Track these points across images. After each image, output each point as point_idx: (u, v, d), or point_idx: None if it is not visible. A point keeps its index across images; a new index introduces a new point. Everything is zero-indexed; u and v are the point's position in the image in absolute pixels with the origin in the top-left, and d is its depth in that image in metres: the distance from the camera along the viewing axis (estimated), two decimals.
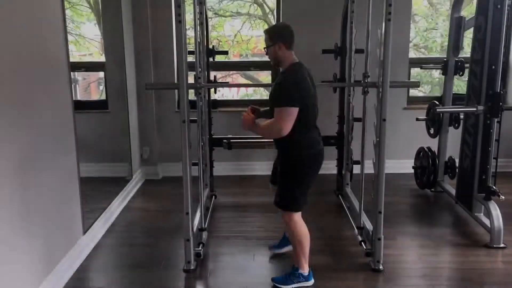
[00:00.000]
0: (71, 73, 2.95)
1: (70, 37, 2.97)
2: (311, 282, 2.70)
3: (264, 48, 2.62)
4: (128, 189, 4.26)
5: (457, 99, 4.31)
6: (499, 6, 3.16)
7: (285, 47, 2.53)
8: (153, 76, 4.66)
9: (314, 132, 2.64)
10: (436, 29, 5.86)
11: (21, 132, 2.30)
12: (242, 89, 5.97)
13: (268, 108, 2.66)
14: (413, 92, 5.30)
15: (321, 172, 2.66)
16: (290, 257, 2.96)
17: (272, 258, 3.10)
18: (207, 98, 3.91)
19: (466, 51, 4.58)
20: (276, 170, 2.88)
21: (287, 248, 2.98)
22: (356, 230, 3.23)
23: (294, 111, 2.40)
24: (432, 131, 4.33)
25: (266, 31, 2.61)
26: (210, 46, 3.98)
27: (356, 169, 3.61)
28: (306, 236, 2.65)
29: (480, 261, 3.01)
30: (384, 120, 2.69)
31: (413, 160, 4.53)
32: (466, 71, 3.88)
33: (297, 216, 2.63)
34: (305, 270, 2.68)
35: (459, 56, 4.08)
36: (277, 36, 2.54)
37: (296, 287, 2.67)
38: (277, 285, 2.68)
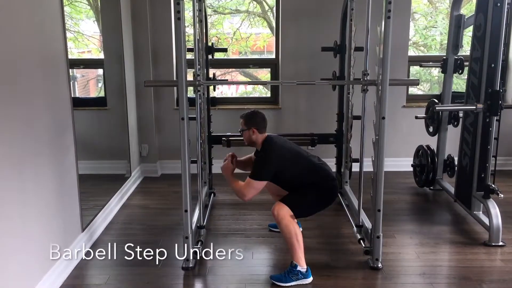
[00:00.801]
0: (70, 70, 2.94)
1: (69, 34, 2.97)
2: (310, 279, 2.70)
3: (239, 130, 2.97)
4: (126, 186, 4.26)
5: (456, 97, 4.32)
6: (498, 4, 3.16)
7: (257, 131, 2.89)
8: (152, 73, 4.65)
9: (320, 171, 2.87)
10: (435, 27, 5.86)
11: (19, 129, 2.30)
12: (241, 86, 5.96)
13: (244, 158, 3.17)
14: (413, 90, 5.30)
15: None
16: (288, 254, 2.96)
17: (271, 255, 3.10)
18: (206, 96, 3.90)
19: (466, 49, 4.58)
20: None
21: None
22: (355, 228, 3.22)
23: (258, 185, 2.77)
24: (431, 129, 4.33)
25: (241, 117, 2.96)
26: (209, 44, 3.97)
27: (355, 167, 3.61)
28: (299, 231, 2.72)
29: (478, 259, 3.01)
30: (384, 118, 2.68)
31: (412, 158, 4.53)
32: (466, 69, 3.88)
33: (291, 215, 2.72)
34: (304, 266, 2.69)
35: (459, 54, 4.08)
36: (250, 122, 2.90)
37: (295, 284, 2.66)
38: (276, 283, 2.67)
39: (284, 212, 2.69)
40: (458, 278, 2.79)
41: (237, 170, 3.07)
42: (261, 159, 2.84)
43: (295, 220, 2.75)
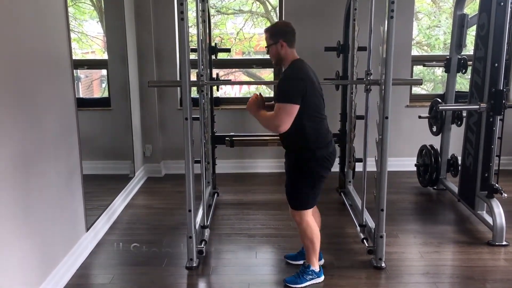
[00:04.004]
0: (74, 70, 2.96)
1: (73, 35, 2.98)
2: (322, 278, 2.71)
3: (266, 47, 2.58)
4: (130, 186, 4.28)
5: (460, 96, 4.31)
6: (502, 4, 3.15)
7: (287, 45, 2.50)
8: (155, 73, 4.66)
9: (322, 127, 2.55)
10: (439, 27, 5.85)
11: (24, 129, 2.31)
12: (244, 86, 5.98)
13: (272, 103, 2.62)
14: (416, 89, 5.30)
15: None
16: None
17: (274, 255, 3.11)
18: (209, 96, 3.92)
19: (469, 49, 4.57)
20: None
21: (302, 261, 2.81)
22: (358, 228, 3.23)
23: (293, 109, 2.36)
24: (434, 128, 4.33)
25: (267, 30, 2.56)
26: (213, 44, 3.98)
27: (359, 166, 3.61)
28: (318, 236, 2.66)
29: (482, 259, 3.01)
30: (387, 117, 2.68)
31: (415, 158, 4.53)
32: (469, 69, 3.88)
33: (308, 216, 2.62)
34: (316, 266, 2.69)
35: (462, 53, 4.07)
36: (279, 34, 2.50)
37: (309, 284, 2.66)
38: (290, 285, 2.65)
39: (301, 216, 2.59)
40: (461, 277, 2.79)
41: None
42: (289, 76, 2.46)
43: (313, 221, 2.66)
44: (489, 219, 3.28)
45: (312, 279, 2.67)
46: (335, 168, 4.24)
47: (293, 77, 2.43)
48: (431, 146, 4.29)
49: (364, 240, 3.04)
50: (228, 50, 4.58)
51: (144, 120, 4.74)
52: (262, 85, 5.91)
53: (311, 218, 2.64)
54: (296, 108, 2.37)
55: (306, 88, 2.40)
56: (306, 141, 2.50)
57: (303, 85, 2.40)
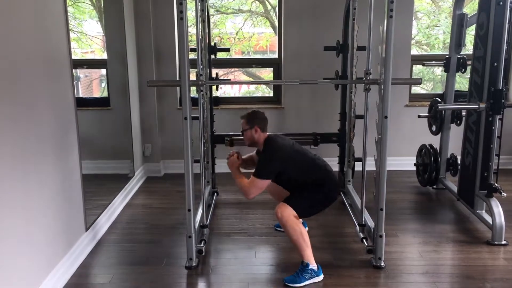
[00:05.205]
0: (73, 70, 2.96)
1: (72, 35, 2.98)
2: (321, 276, 2.72)
3: (241, 131, 2.96)
4: (130, 186, 4.28)
5: (459, 96, 4.31)
6: (501, 3, 3.16)
7: (260, 130, 2.89)
8: (155, 73, 4.66)
9: (322, 170, 2.87)
10: (438, 26, 5.86)
11: (23, 129, 2.31)
12: (244, 86, 5.98)
13: (246, 157, 3.11)
14: (415, 89, 5.30)
15: None
16: (291, 253, 2.97)
17: (273, 254, 3.11)
18: (209, 95, 3.92)
19: (468, 48, 4.57)
20: None
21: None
22: (357, 227, 3.23)
23: (263, 184, 2.78)
24: (434, 128, 4.33)
25: (243, 117, 2.95)
26: (212, 43, 3.98)
27: (358, 166, 3.61)
28: (305, 231, 2.71)
29: (481, 258, 3.01)
30: (386, 117, 2.68)
31: (415, 157, 4.53)
32: (468, 68, 3.88)
33: (291, 215, 2.71)
34: (314, 264, 2.70)
35: (461, 53, 4.07)
36: (253, 121, 2.89)
37: (308, 283, 2.67)
38: (290, 285, 2.66)
39: (288, 213, 2.69)
40: (461, 277, 2.79)
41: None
42: (265, 158, 2.84)
43: (300, 220, 2.77)
44: (488, 218, 3.29)
45: (311, 277, 2.68)
46: (335, 167, 4.26)
47: (273, 158, 2.81)
48: (431, 145, 4.29)
49: (364, 240, 3.04)
50: (227, 50, 4.58)
51: (143, 120, 4.74)
52: (262, 85, 5.92)
53: (296, 219, 2.74)
54: (266, 183, 2.79)
55: (285, 165, 2.80)
56: (316, 181, 2.85)
57: (279, 165, 2.80)
